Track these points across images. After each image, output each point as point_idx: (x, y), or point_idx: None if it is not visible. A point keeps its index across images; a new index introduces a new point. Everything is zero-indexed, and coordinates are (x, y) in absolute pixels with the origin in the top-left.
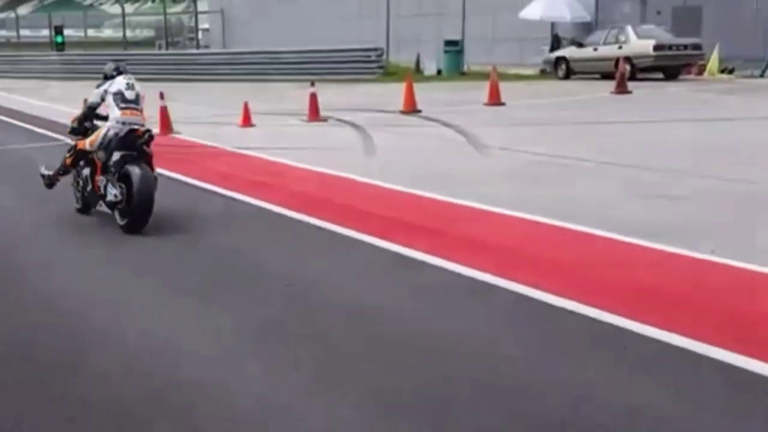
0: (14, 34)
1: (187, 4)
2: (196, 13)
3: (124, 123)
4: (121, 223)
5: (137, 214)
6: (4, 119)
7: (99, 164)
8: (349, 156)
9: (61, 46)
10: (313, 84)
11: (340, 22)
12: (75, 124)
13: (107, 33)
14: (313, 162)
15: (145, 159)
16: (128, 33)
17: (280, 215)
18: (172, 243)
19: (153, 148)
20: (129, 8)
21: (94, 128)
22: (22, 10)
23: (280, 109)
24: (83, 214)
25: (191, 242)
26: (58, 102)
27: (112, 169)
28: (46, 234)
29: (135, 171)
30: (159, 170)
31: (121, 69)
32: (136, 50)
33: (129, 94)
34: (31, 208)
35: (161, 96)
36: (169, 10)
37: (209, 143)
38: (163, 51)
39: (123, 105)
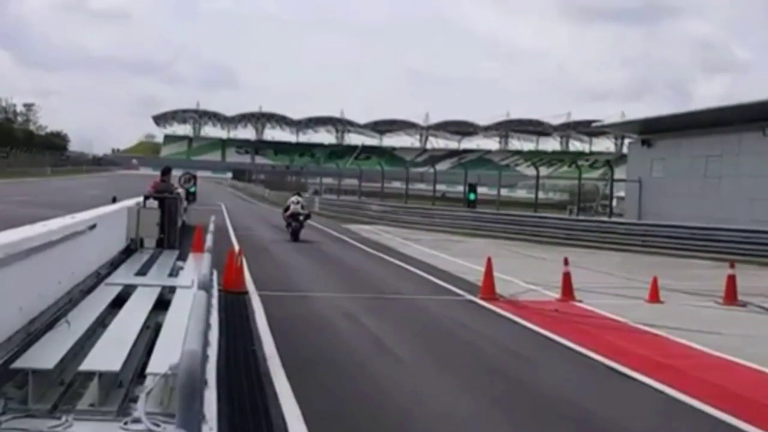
0: (430, 188)
1: (604, 171)
2: (612, 181)
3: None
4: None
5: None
6: (412, 270)
7: None
8: (767, 348)
9: (472, 203)
10: (732, 265)
11: (765, 203)
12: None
13: (520, 193)
14: (725, 350)
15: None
16: (541, 195)
17: (679, 403)
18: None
19: (549, 313)
20: (544, 171)
21: None
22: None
23: (692, 288)
24: None
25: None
26: (463, 257)
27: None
28: None
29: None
30: (552, 335)
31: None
32: (546, 212)
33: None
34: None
35: (565, 262)
36: (584, 175)
37: (610, 315)
38: (573, 216)
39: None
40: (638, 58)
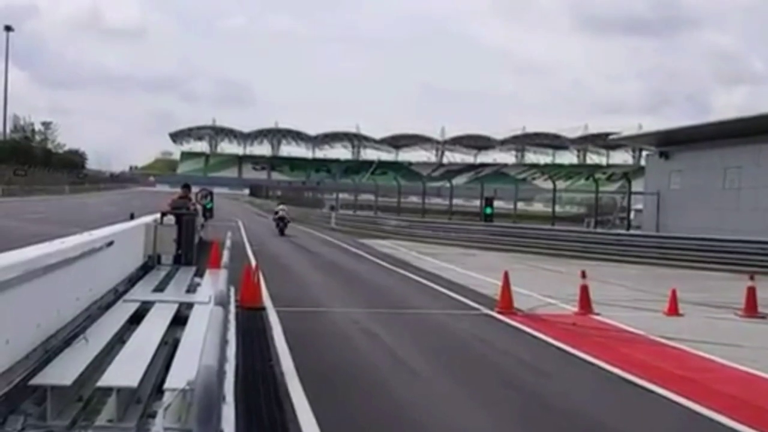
0: (447, 202)
1: (622, 184)
2: (630, 193)
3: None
4: None
5: None
6: (429, 284)
7: None
8: None
9: (489, 217)
10: (752, 277)
11: None
12: None
13: (537, 207)
14: (745, 362)
15: None
16: (558, 208)
17: (698, 416)
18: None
19: (567, 326)
20: (561, 184)
21: None
22: (457, 180)
23: (712, 300)
24: None
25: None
26: (480, 271)
27: None
28: None
29: None
30: (570, 349)
31: None
32: (564, 226)
33: None
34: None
35: (582, 275)
36: (602, 188)
37: (628, 328)
38: (590, 229)
39: None
40: (654, 70)
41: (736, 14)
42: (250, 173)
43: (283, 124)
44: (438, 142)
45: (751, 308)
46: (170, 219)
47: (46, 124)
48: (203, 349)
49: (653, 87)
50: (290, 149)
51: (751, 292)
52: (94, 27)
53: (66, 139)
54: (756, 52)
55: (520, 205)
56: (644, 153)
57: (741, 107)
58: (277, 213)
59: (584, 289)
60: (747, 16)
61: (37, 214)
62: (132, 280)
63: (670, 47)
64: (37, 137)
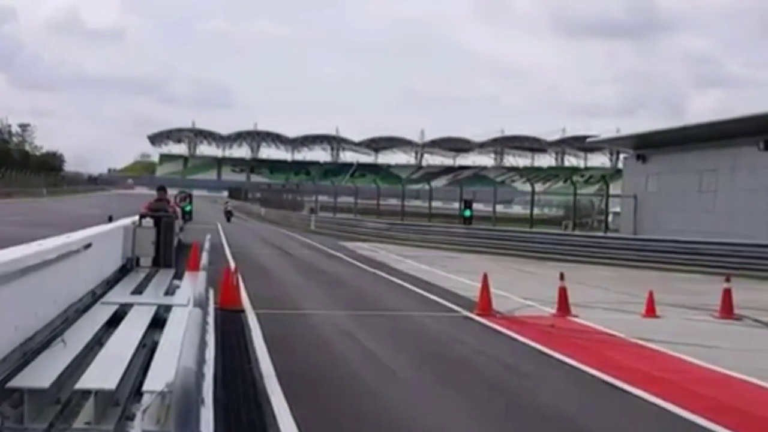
0: (426, 205)
1: (600, 187)
2: (608, 196)
3: None
4: None
5: None
6: (409, 287)
7: None
8: (763, 361)
9: (468, 220)
10: (728, 279)
11: (761, 217)
12: None
13: (516, 209)
14: (722, 363)
15: None
16: (536, 211)
17: (676, 417)
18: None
19: (546, 328)
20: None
21: None
22: (436, 182)
23: (689, 302)
24: None
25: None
26: (459, 274)
27: None
28: None
29: None
30: (548, 351)
31: None
32: (542, 229)
33: None
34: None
35: (561, 277)
36: (580, 191)
37: (606, 330)
38: (568, 231)
39: None
40: (631, 73)
41: (712, 18)
42: (229, 176)
43: (263, 127)
44: (417, 145)
45: (727, 310)
46: (149, 222)
47: (24, 126)
48: (181, 351)
49: (630, 90)
50: (269, 152)
51: (727, 294)
52: (73, 29)
53: (44, 141)
54: (731, 56)
55: (499, 207)
56: (622, 156)
57: (716, 110)
58: (227, 207)
59: (562, 291)
60: (722, 19)
61: (14, 216)
62: (110, 283)
63: (647, 51)
64: (15, 139)
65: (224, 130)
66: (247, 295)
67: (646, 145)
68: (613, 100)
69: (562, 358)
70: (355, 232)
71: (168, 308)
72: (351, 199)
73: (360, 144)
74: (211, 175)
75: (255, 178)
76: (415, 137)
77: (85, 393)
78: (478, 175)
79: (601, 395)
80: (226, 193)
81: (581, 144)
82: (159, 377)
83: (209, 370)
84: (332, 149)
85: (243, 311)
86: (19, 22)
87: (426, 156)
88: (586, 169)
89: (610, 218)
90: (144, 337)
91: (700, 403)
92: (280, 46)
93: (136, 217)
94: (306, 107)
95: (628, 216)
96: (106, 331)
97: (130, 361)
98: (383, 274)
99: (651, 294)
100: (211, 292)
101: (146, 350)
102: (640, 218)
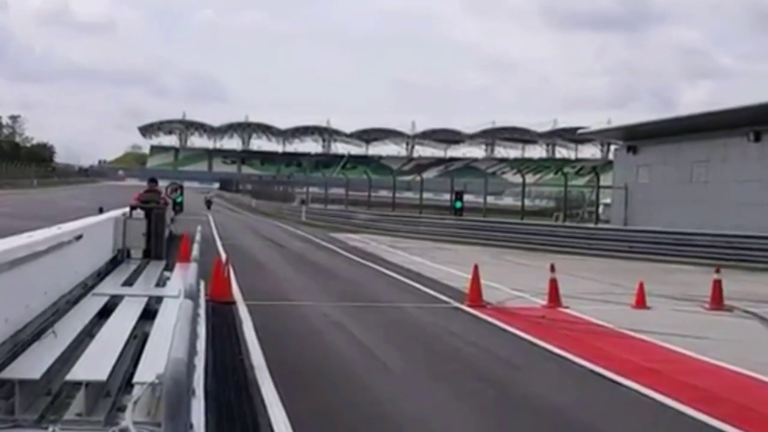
0: (417, 196)
1: (590, 178)
2: (598, 188)
3: None
4: None
5: None
6: (399, 278)
7: None
8: (752, 352)
9: (459, 211)
10: (718, 270)
11: (750, 208)
12: None
13: (507, 201)
14: (711, 354)
15: None
16: (527, 202)
17: (666, 407)
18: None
19: (536, 319)
20: (530, 178)
21: None
22: (427, 174)
23: (678, 293)
24: None
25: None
26: (450, 265)
27: None
28: None
29: None
30: (539, 342)
31: None
32: (533, 220)
33: None
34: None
35: (552, 268)
36: (570, 183)
37: (597, 321)
38: (559, 223)
39: None
40: (622, 65)
41: (703, 10)
42: (220, 167)
43: (254, 119)
44: (408, 137)
45: (717, 301)
46: (139, 213)
47: (14, 118)
48: (172, 342)
49: (621, 82)
50: (261, 143)
51: (717, 285)
52: (63, 20)
53: (34, 132)
54: (722, 47)
55: (490, 199)
56: (612, 147)
57: (707, 102)
58: (207, 197)
59: (553, 283)
60: (712, 11)
61: (3, 207)
62: (101, 274)
63: (638, 43)
64: (5, 131)
65: (215, 121)
66: (238, 286)
67: (637, 137)
68: (604, 92)
69: (553, 349)
70: (347, 223)
71: (159, 300)
72: (342, 191)
73: (351, 136)
74: (202, 166)
75: (246, 170)
76: (406, 129)
77: (76, 384)
78: (469, 166)
79: (591, 386)
80: (216, 185)
81: (572, 135)
82: (150, 369)
83: (200, 362)
84: (323, 141)
85: (234, 303)
86: (9, 14)
87: (417, 147)
88: (577, 160)
89: (600, 209)
90: (135, 328)
91: (690, 393)
92: (271, 38)
93: (127, 209)
94: (297, 99)
95: (619, 207)
96: (97, 322)
97: (121, 353)
98: (374, 266)
99: (641, 285)
100: (202, 284)
101: (137, 342)
102: (631, 209)
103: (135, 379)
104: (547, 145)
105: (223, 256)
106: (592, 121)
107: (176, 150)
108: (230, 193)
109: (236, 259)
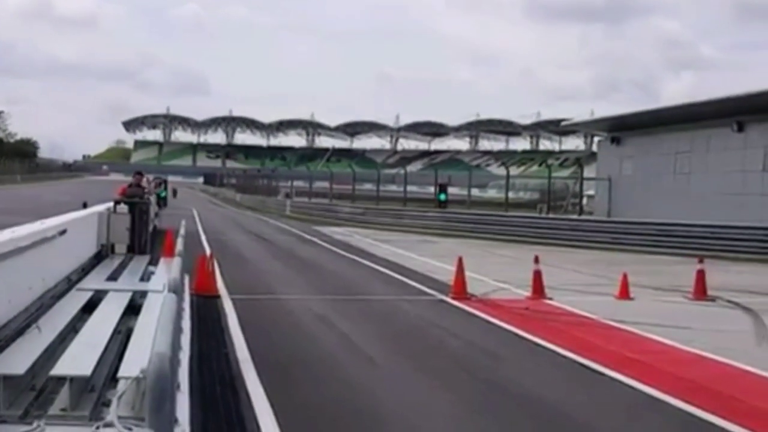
0: (401, 189)
1: (574, 170)
2: (582, 179)
3: None
4: None
5: None
6: (384, 271)
7: None
8: (736, 342)
9: (443, 204)
10: (701, 261)
11: (734, 198)
12: None
13: (491, 193)
14: (695, 344)
15: None
16: (511, 195)
17: (650, 398)
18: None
19: (520, 311)
20: (514, 170)
21: None
22: (412, 167)
23: (663, 284)
24: None
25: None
26: (434, 258)
27: None
28: None
29: None
30: (523, 333)
31: None
32: (516, 212)
33: None
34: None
35: (536, 260)
36: (554, 174)
37: (581, 312)
38: (543, 215)
39: None
40: (605, 56)
41: (685, 1)
42: (204, 161)
43: (238, 113)
44: (393, 130)
45: (700, 291)
46: (123, 208)
47: None
48: (155, 337)
49: (604, 73)
50: (245, 137)
51: (700, 276)
52: (46, 15)
53: (18, 128)
54: (704, 39)
55: (474, 191)
56: (596, 139)
57: (690, 93)
58: (173, 188)
59: (537, 274)
60: (695, 2)
61: None
62: (85, 269)
63: (620, 34)
64: None
65: (199, 116)
66: (223, 280)
67: (621, 128)
68: (587, 84)
69: (537, 340)
70: (331, 217)
71: (143, 294)
72: (326, 184)
73: (335, 129)
74: (186, 161)
75: (230, 164)
76: (390, 122)
77: (61, 379)
78: (453, 159)
79: (575, 377)
80: (201, 179)
81: (556, 127)
82: (134, 363)
83: (185, 356)
84: (307, 134)
85: (219, 297)
86: None
87: (401, 140)
88: (561, 152)
89: (584, 201)
90: (119, 323)
91: (674, 384)
92: (255, 32)
93: (111, 204)
94: (281, 93)
95: (603, 199)
96: (81, 317)
97: (106, 348)
98: (358, 259)
99: (625, 276)
100: (187, 279)
101: (121, 336)
102: (615, 201)
103: (119, 374)
104: (531, 137)
105: (208, 250)
106: (576, 112)
107: (160, 145)
108: (215, 187)
109: (220, 252)
